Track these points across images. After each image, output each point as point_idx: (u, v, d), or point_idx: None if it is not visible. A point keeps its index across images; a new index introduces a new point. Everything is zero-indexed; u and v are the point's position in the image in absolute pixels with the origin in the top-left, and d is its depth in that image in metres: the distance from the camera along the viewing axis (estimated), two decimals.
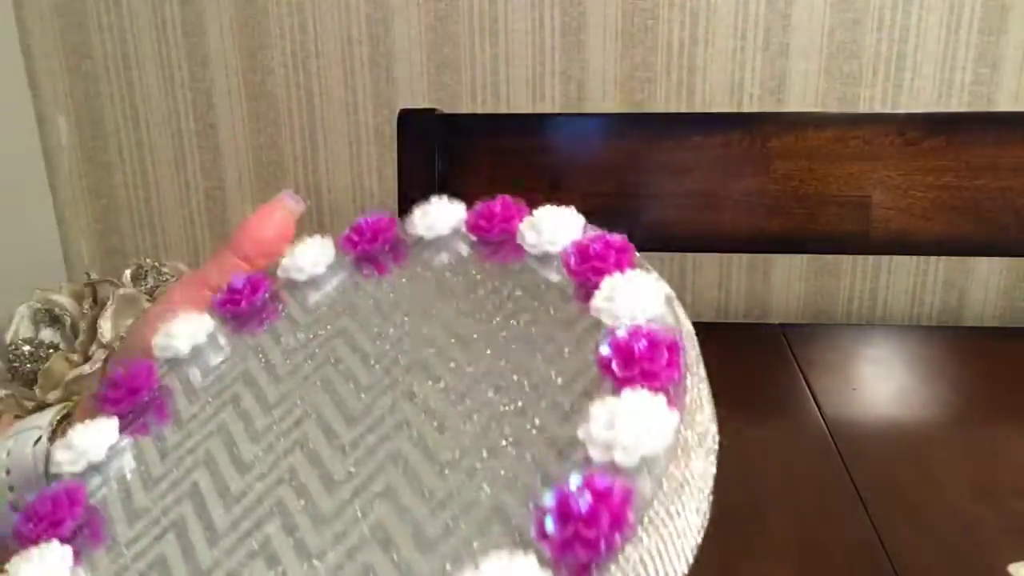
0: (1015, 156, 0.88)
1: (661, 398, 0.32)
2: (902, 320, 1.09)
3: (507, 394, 0.37)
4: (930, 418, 0.76)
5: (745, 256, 1.08)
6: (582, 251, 0.39)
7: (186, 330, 0.46)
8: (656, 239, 0.95)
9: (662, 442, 0.31)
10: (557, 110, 1.06)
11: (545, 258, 0.41)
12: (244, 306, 0.46)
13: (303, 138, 1.11)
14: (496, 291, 0.42)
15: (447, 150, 0.94)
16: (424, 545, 0.33)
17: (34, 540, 0.38)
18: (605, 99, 1.05)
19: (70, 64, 1.11)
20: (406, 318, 0.43)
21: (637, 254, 0.40)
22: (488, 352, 0.39)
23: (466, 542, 0.32)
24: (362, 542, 0.35)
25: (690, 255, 1.08)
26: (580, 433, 0.32)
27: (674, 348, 0.34)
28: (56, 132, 1.14)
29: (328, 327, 0.45)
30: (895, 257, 1.06)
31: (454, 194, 0.53)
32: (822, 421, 0.74)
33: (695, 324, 0.38)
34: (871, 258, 1.07)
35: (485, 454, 0.35)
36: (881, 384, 0.82)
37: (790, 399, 0.78)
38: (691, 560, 0.30)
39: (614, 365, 0.34)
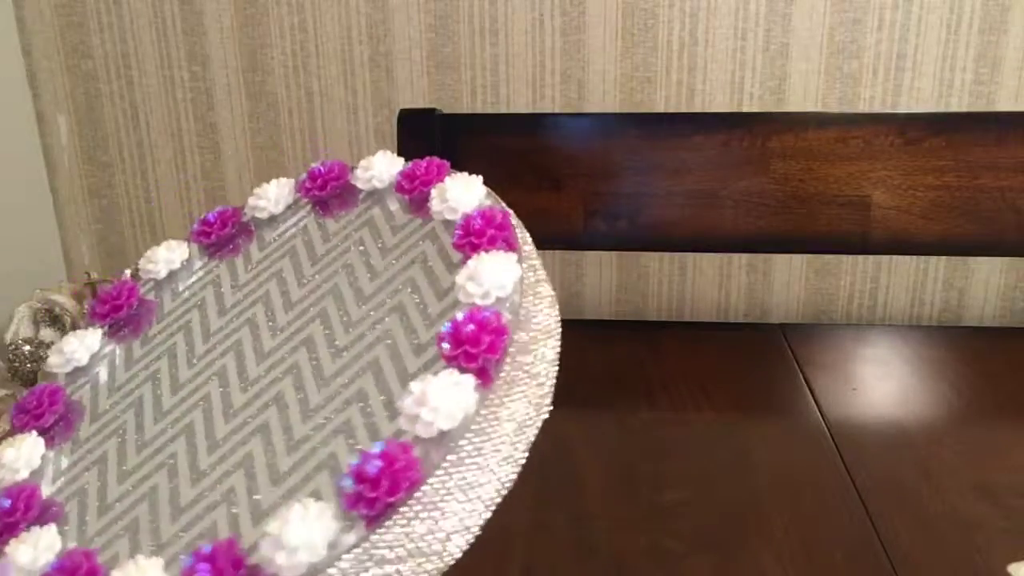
0: (1015, 156, 0.88)
1: (471, 379, 0.37)
2: (902, 320, 1.09)
3: (373, 351, 0.43)
4: (930, 418, 0.76)
5: (745, 256, 1.08)
6: (465, 225, 0.44)
7: (164, 256, 0.55)
8: (656, 239, 0.95)
9: (459, 419, 0.36)
10: (557, 110, 1.05)
11: (448, 224, 0.47)
12: (214, 238, 0.56)
13: (303, 138, 1.11)
14: (401, 253, 0.48)
15: (447, 150, 0.94)
16: (275, 478, 0.39)
17: (20, 429, 0.47)
18: (605, 99, 1.05)
19: (70, 64, 1.11)
20: (329, 266, 0.50)
21: (516, 231, 0.45)
22: (372, 313, 0.45)
23: (304, 481, 0.38)
24: (235, 467, 0.41)
25: (690, 255, 1.08)
26: (399, 404, 0.37)
27: (500, 332, 0.38)
28: (56, 132, 1.14)
29: (270, 268, 0.53)
30: (895, 257, 1.06)
31: None
32: (822, 421, 0.74)
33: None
34: (871, 258, 1.07)
35: (339, 405, 0.41)
36: (881, 384, 0.82)
37: (790, 399, 0.78)
38: (484, 519, 0.35)
39: (444, 344, 0.38)
